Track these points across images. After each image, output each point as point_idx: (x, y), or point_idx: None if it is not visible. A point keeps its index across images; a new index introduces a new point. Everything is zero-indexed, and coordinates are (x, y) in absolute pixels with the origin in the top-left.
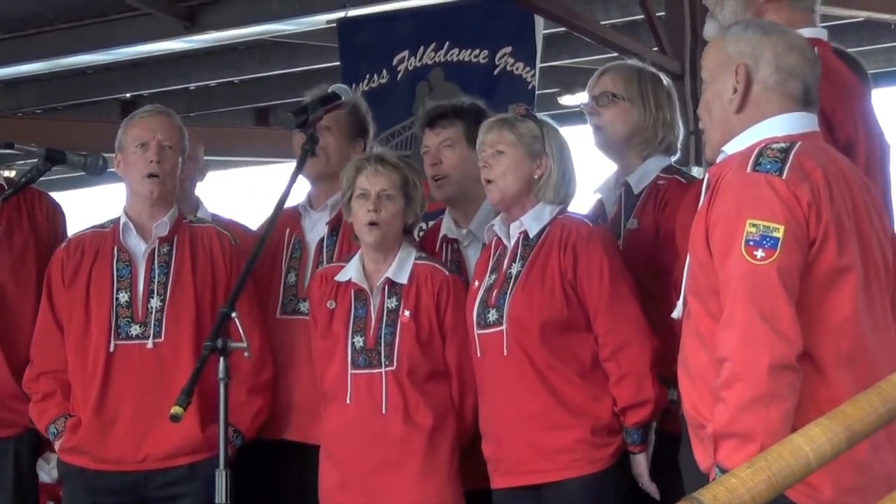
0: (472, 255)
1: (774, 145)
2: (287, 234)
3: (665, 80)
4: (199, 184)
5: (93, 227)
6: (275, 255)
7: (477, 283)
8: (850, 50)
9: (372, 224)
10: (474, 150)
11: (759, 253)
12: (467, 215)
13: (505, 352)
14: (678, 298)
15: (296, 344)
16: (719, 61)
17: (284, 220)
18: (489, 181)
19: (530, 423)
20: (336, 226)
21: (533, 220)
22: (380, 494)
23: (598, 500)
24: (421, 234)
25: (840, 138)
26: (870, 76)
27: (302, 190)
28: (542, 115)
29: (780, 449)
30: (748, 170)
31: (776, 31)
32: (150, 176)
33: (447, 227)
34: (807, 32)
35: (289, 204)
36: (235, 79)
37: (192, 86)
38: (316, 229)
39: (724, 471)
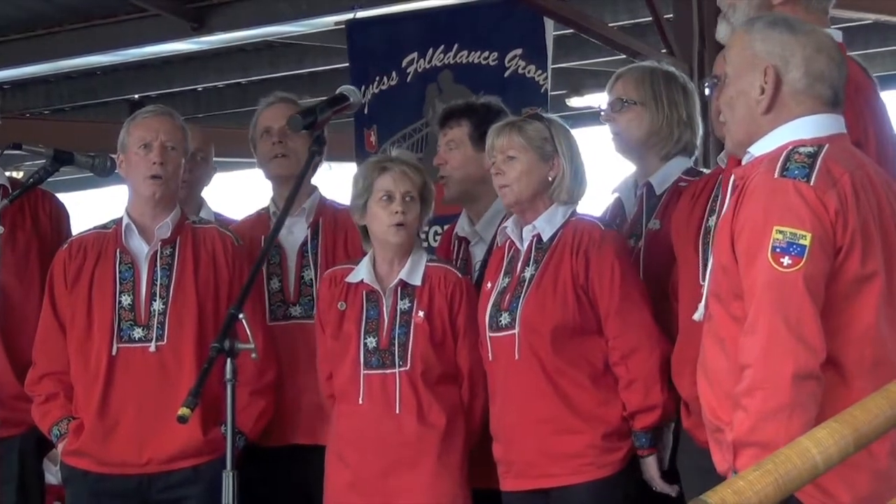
0: (477, 255)
1: (802, 149)
2: (262, 240)
3: (681, 77)
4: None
5: (94, 227)
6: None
7: (489, 285)
8: (858, 52)
9: (399, 225)
10: (480, 151)
11: (786, 260)
12: (477, 215)
13: (517, 355)
14: (676, 301)
15: (294, 348)
16: (745, 59)
17: (256, 227)
18: (503, 186)
19: (541, 427)
20: (316, 230)
21: (546, 224)
22: (392, 495)
23: None
24: (437, 236)
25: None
26: (876, 80)
27: (261, 196)
28: (549, 115)
29: (788, 451)
30: (776, 175)
31: (804, 31)
32: (154, 177)
33: (460, 225)
34: None
35: (250, 211)
36: (243, 80)
37: (199, 87)
38: (294, 234)
39: None
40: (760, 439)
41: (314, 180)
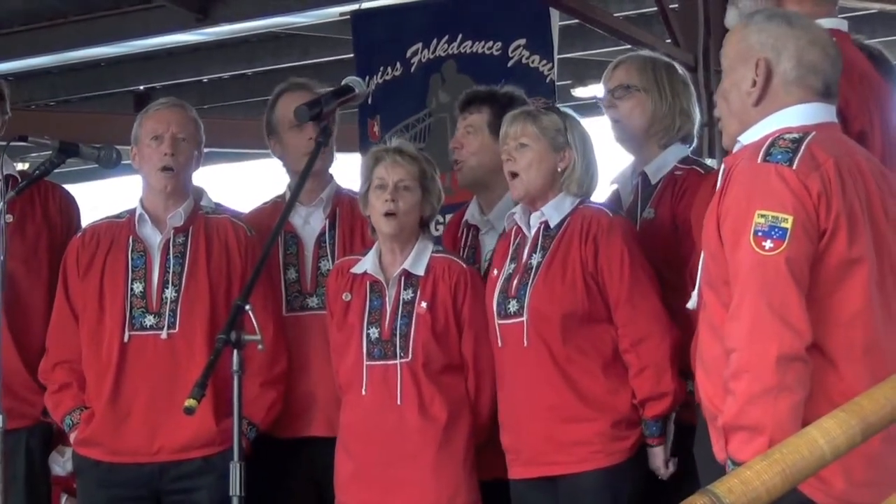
0: (488, 244)
1: (787, 136)
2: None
3: (680, 68)
4: (195, 173)
5: (108, 217)
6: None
7: (496, 272)
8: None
9: (389, 214)
10: (497, 140)
11: (768, 244)
12: (490, 203)
13: (525, 343)
14: (693, 289)
15: (309, 339)
16: (740, 51)
17: (273, 215)
18: (514, 174)
19: (548, 415)
20: (333, 220)
21: (554, 211)
22: (394, 486)
23: (614, 492)
24: (439, 227)
25: (853, 131)
26: (894, 65)
27: (273, 185)
28: (566, 109)
29: (795, 441)
30: (759, 160)
31: (800, 24)
32: (165, 169)
33: (471, 212)
34: (826, 23)
35: (264, 199)
36: (248, 71)
37: (204, 78)
38: (311, 224)
39: (735, 463)
40: (748, 422)
41: (330, 170)
